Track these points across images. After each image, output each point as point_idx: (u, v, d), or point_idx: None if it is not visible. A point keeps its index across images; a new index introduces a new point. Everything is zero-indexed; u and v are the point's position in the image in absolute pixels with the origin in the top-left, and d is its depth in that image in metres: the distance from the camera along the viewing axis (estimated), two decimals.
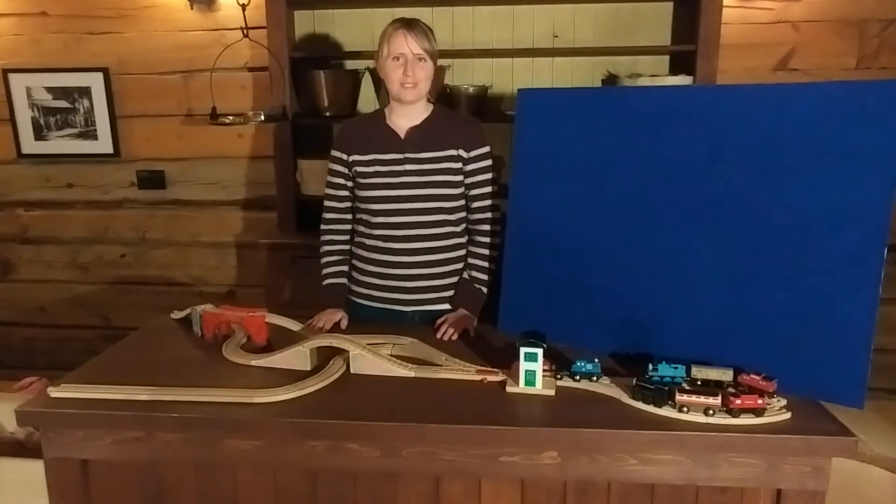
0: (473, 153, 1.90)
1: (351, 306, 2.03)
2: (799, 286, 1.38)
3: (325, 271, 1.98)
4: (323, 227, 2.00)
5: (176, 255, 3.34)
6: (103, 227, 3.34)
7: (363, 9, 2.93)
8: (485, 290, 1.92)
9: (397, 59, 1.81)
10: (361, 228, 1.96)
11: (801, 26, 2.84)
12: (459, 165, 1.89)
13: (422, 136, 1.88)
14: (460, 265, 1.97)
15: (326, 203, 1.99)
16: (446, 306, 1.96)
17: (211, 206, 3.27)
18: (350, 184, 1.94)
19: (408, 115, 1.90)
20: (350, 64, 2.98)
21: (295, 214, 2.91)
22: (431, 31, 1.86)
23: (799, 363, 1.38)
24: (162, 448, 1.38)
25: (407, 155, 1.86)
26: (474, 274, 1.93)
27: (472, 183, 1.92)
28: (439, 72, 1.96)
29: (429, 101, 1.94)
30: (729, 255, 1.46)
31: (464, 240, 1.96)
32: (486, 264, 1.93)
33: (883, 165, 1.30)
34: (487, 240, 1.92)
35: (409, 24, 1.82)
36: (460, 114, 1.99)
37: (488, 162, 1.92)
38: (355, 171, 1.91)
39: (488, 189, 1.92)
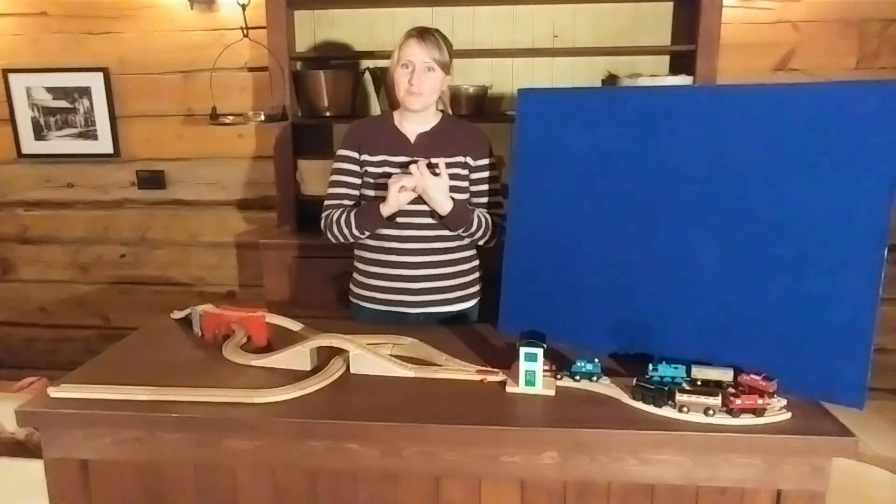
0: (479, 162, 1.93)
1: (354, 309, 2.03)
2: (799, 286, 1.38)
3: (345, 218, 1.86)
4: (323, 213, 1.93)
5: (176, 255, 3.34)
6: (103, 227, 3.34)
7: (363, 9, 2.93)
8: (472, 217, 1.87)
9: (406, 66, 1.82)
10: None
11: (801, 26, 2.84)
12: (466, 172, 1.91)
13: (431, 142, 1.90)
14: (465, 266, 1.98)
15: (329, 202, 1.93)
16: (451, 308, 1.97)
17: (211, 206, 3.27)
18: (360, 182, 1.93)
19: (417, 121, 1.91)
20: (350, 64, 2.98)
21: (295, 214, 2.90)
22: (447, 41, 1.86)
23: (799, 363, 1.37)
24: (162, 448, 1.38)
25: (416, 159, 1.86)
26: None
27: (478, 191, 1.94)
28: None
29: (438, 108, 1.95)
30: (729, 255, 1.46)
31: (466, 242, 1.96)
32: (487, 219, 1.90)
33: (883, 165, 1.30)
34: (497, 220, 1.92)
35: (422, 33, 1.83)
36: (468, 123, 2.00)
37: (495, 172, 1.96)
38: (365, 170, 1.90)
39: (498, 198, 1.97)
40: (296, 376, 1.48)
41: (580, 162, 1.65)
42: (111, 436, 1.39)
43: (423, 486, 1.38)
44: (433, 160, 1.82)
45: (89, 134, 3.18)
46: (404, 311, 1.95)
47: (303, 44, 2.97)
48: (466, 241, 1.95)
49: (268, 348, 1.65)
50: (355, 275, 2.02)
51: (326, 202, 1.94)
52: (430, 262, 1.91)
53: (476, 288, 2.05)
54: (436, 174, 1.80)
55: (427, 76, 1.82)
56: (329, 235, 1.92)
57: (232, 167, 3.21)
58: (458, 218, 1.85)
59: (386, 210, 1.81)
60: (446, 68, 1.86)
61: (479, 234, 1.91)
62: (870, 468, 2.21)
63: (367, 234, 1.89)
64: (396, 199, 1.78)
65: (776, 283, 1.41)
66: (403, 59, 1.82)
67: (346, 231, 1.88)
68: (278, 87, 2.77)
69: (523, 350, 1.40)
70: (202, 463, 1.40)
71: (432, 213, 1.86)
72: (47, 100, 3.16)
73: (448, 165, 1.85)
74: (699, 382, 1.38)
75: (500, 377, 1.48)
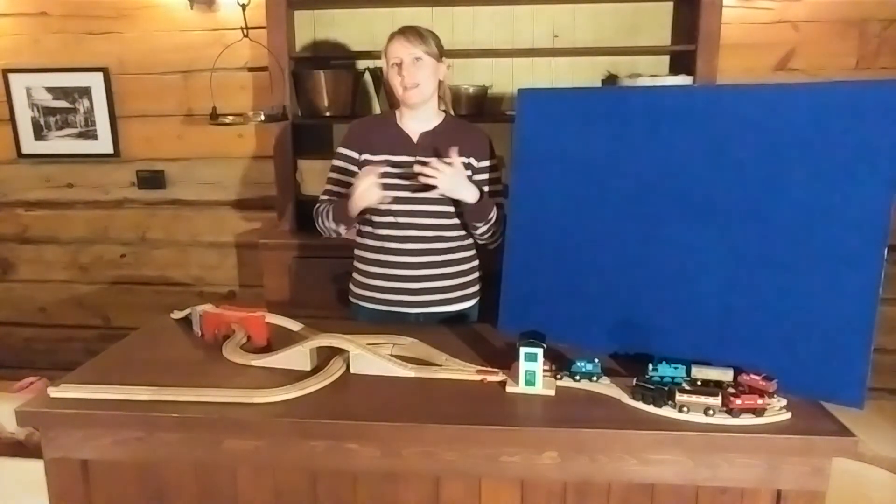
0: (483, 164, 1.93)
1: (354, 309, 2.03)
2: (799, 286, 1.38)
3: (326, 208, 1.88)
4: (315, 206, 1.94)
5: (176, 255, 3.34)
6: (103, 227, 3.34)
7: (363, 9, 2.93)
8: (491, 205, 1.86)
9: (396, 64, 1.83)
10: (364, 229, 1.95)
11: (801, 26, 2.84)
12: (469, 173, 1.90)
13: (434, 141, 1.89)
14: (465, 266, 1.98)
15: (322, 196, 1.94)
16: (451, 308, 1.97)
17: (211, 206, 3.27)
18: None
19: (420, 120, 1.91)
20: (350, 64, 2.98)
21: (295, 214, 2.90)
22: (434, 35, 1.87)
23: (799, 363, 1.37)
24: (162, 448, 1.38)
25: (419, 158, 1.86)
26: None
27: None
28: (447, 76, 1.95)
29: (441, 109, 1.95)
30: (729, 255, 1.46)
31: (468, 242, 1.97)
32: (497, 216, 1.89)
33: (883, 165, 1.30)
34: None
35: (405, 30, 1.84)
36: (470, 124, 2.00)
37: (497, 174, 1.95)
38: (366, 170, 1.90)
39: (500, 199, 1.95)
40: (296, 376, 1.48)
41: (580, 162, 1.65)
42: (111, 436, 1.39)
43: (423, 486, 1.38)
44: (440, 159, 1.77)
45: (89, 134, 3.18)
46: (404, 311, 1.94)
47: (302, 44, 2.97)
48: (484, 231, 1.89)
49: (268, 348, 1.65)
50: (355, 275, 2.02)
51: (323, 197, 1.96)
52: (429, 262, 1.91)
53: (476, 288, 2.04)
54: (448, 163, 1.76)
55: (417, 66, 1.82)
56: (317, 226, 1.94)
57: (232, 167, 3.21)
58: (483, 207, 1.82)
59: (352, 206, 1.75)
60: (436, 57, 1.86)
61: (494, 226, 1.87)
62: (870, 468, 2.21)
63: (344, 228, 1.87)
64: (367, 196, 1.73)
65: (776, 283, 1.41)
66: (392, 59, 1.84)
67: (326, 224, 1.89)
68: (278, 87, 2.77)
69: (523, 350, 1.40)
70: (202, 463, 1.40)
71: (435, 215, 1.87)
72: (47, 100, 3.16)
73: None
74: (699, 382, 1.37)
75: (500, 377, 1.48)
